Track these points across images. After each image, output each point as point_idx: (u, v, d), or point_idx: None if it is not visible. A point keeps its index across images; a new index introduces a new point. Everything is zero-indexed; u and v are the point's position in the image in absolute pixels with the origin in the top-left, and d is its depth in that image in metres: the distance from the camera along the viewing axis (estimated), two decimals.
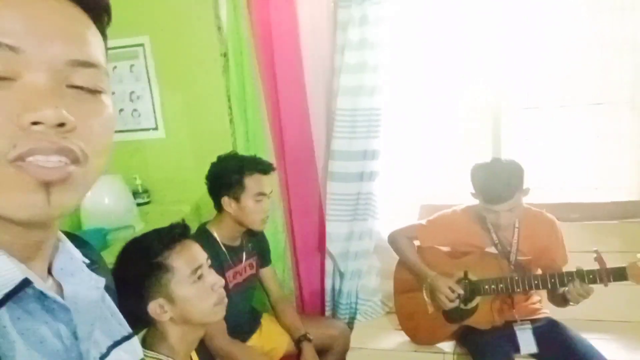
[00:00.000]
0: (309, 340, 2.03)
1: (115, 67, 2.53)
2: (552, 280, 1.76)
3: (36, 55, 0.47)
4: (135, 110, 2.58)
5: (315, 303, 2.51)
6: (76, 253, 0.62)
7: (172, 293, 1.27)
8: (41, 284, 0.52)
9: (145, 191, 2.63)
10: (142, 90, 2.54)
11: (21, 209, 0.47)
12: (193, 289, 1.30)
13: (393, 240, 2.12)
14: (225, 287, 1.90)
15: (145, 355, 1.25)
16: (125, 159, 2.62)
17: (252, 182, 1.89)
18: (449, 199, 2.23)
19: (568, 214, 2.20)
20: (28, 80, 0.46)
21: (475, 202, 1.93)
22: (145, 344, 1.30)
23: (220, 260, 1.92)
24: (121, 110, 2.59)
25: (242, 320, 2.03)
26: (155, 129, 2.58)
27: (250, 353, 1.91)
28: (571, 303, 1.76)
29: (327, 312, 2.47)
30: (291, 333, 2.08)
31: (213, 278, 1.36)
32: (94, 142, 0.50)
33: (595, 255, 1.70)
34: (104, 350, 0.61)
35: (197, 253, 1.35)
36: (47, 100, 0.46)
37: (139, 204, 2.58)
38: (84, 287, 0.59)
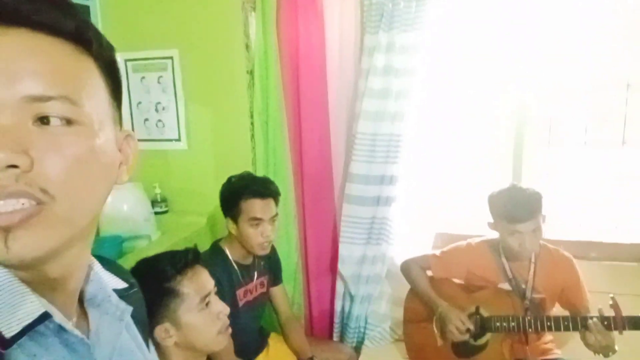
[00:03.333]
0: None
1: (143, 78, 2.58)
2: (566, 323, 1.73)
3: None
4: (160, 120, 2.62)
5: (323, 324, 2.50)
6: (108, 279, 0.62)
7: (179, 319, 1.28)
8: (61, 317, 0.52)
9: (164, 200, 2.66)
10: (168, 102, 2.58)
11: None
12: (200, 317, 1.31)
13: (406, 268, 2.11)
14: (235, 305, 1.94)
15: None
16: (147, 167, 2.66)
17: (248, 207, 1.87)
18: (464, 229, 2.21)
19: (586, 252, 2.17)
20: None
21: (491, 235, 1.92)
22: None
23: (232, 278, 1.93)
24: (146, 120, 2.64)
25: (250, 339, 2.03)
26: (178, 140, 2.61)
27: None
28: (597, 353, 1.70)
29: (335, 335, 2.46)
30: (298, 355, 2.07)
31: (219, 306, 1.37)
32: (61, 179, 0.49)
33: (611, 301, 1.66)
34: None
35: (206, 280, 1.36)
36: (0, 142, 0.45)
37: (156, 213, 2.61)
38: (108, 319, 0.60)
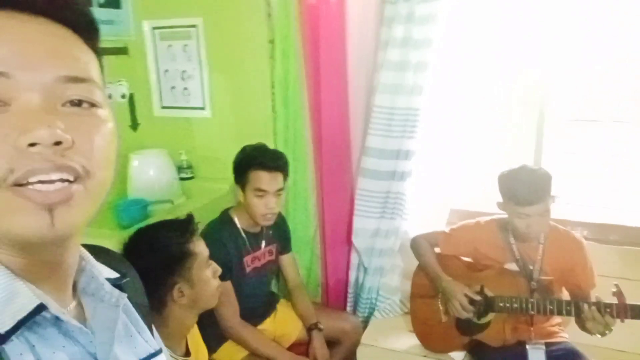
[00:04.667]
0: (320, 329, 2.09)
1: (170, 46, 2.63)
2: (568, 307, 1.70)
3: (26, 77, 0.48)
4: (185, 88, 2.68)
5: (339, 294, 2.54)
6: (101, 269, 0.63)
7: (193, 276, 1.40)
8: (57, 308, 0.52)
9: (189, 167, 2.74)
10: (193, 70, 2.63)
11: (26, 232, 0.48)
12: (207, 274, 1.44)
13: (415, 244, 2.11)
14: (243, 271, 2.01)
15: None
16: (173, 134, 2.74)
17: (254, 177, 1.92)
18: (480, 206, 2.17)
19: (607, 235, 2.09)
20: (21, 103, 0.47)
21: (502, 214, 1.88)
22: None
23: (239, 245, 1.99)
24: (173, 87, 2.70)
25: (258, 303, 2.11)
26: (203, 108, 2.67)
27: (259, 337, 1.99)
28: (598, 335, 1.68)
29: (349, 305, 2.49)
30: (304, 321, 2.14)
31: (216, 266, 1.49)
32: (95, 157, 0.51)
33: (614, 288, 1.61)
34: None
35: (205, 245, 1.48)
36: (41, 120, 0.47)
37: (182, 179, 2.71)
38: (104, 305, 0.60)
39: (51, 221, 0.48)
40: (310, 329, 2.10)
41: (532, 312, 1.78)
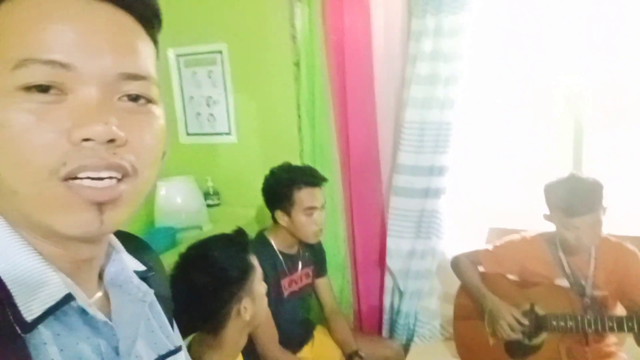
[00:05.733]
0: (361, 357, 1.98)
1: (195, 73, 2.63)
2: (630, 323, 1.57)
3: (87, 70, 0.47)
4: (211, 114, 2.67)
5: (372, 320, 2.44)
6: (129, 261, 0.63)
7: (255, 291, 1.33)
8: (84, 299, 0.52)
9: (216, 193, 2.71)
10: (219, 96, 2.62)
11: (74, 228, 0.48)
12: (264, 287, 1.38)
13: (456, 263, 2.01)
14: (280, 295, 1.93)
15: None
16: (199, 161, 2.73)
17: (302, 196, 1.88)
18: (520, 223, 2.07)
19: None
20: (79, 96, 0.47)
21: (547, 228, 1.78)
22: (189, 352, 1.32)
23: (277, 267, 1.92)
24: (198, 114, 2.69)
25: (295, 330, 2.02)
26: (229, 133, 2.65)
27: None
28: None
29: (385, 331, 2.39)
30: (343, 348, 2.03)
31: (263, 282, 1.41)
32: (144, 155, 0.51)
33: None
34: None
35: None
36: (98, 116, 0.46)
37: (209, 206, 2.67)
38: (130, 299, 0.60)
39: (100, 219, 0.48)
40: (350, 357, 2.00)
41: (590, 330, 1.66)
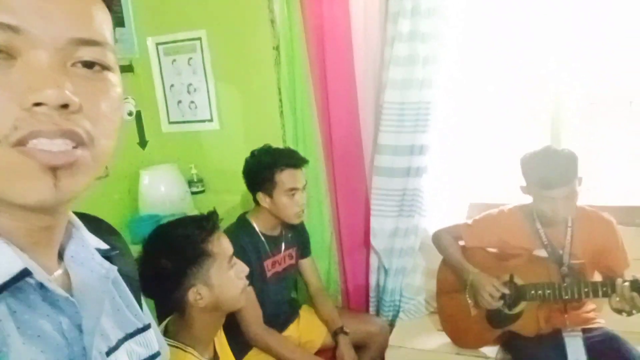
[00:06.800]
0: (346, 333, 2.02)
1: (174, 61, 2.63)
2: (604, 289, 1.64)
3: (38, 34, 0.45)
4: (192, 102, 2.67)
5: (360, 299, 2.48)
6: (90, 239, 0.61)
7: (211, 279, 1.31)
8: (42, 274, 0.50)
9: (200, 180, 2.71)
10: (199, 83, 2.62)
11: (28, 195, 0.46)
12: (229, 275, 1.35)
13: (437, 238, 2.06)
14: (264, 276, 1.96)
15: (168, 345, 1.30)
16: (182, 149, 2.72)
17: (284, 178, 1.90)
18: (499, 198, 2.12)
19: (632, 218, 2.03)
20: (30, 60, 0.45)
21: (525, 201, 1.83)
22: (167, 332, 1.34)
23: (259, 249, 1.95)
24: (179, 102, 2.69)
25: (280, 309, 2.05)
26: (211, 120, 2.65)
27: (285, 343, 1.92)
28: (624, 314, 1.62)
29: (372, 309, 2.43)
30: (328, 325, 2.08)
31: (241, 266, 1.41)
32: (101, 123, 0.49)
33: None
34: (113, 343, 0.58)
35: (229, 242, 1.40)
36: (50, 80, 0.44)
37: (193, 193, 2.68)
38: (93, 277, 0.58)
39: (54, 184, 0.46)
40: (335, 333, 2.04)
41: (567, 298, 1.72)
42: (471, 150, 2.21)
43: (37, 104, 0.44)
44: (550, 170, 1.69)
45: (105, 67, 0.50)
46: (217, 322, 1.40)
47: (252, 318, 1.84)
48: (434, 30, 2.05)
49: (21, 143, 0.44)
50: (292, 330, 2.06)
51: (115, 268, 0.60)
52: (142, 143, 2.73)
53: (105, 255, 0.61)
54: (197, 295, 1.30)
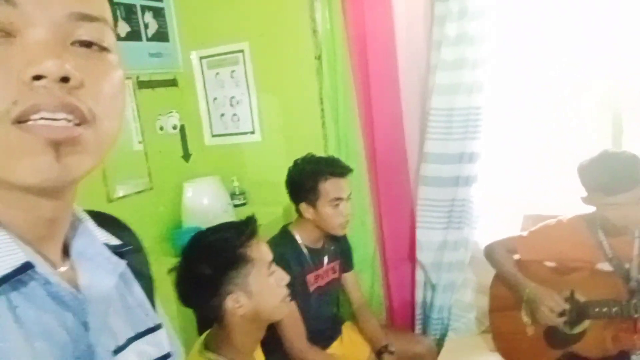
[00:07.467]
0: (391, 352, 1.91)
1: (217, 74, 2.64)
2: None
3: (35, 9, 0.44)
4: (234, 114, 2.67)
5: (405, 315, 2.37)
6: (99, 234, 0.59)
7: (250, 285, 1.27)
8: (46, 268, 0.49)
9: (242, 193, 2.70)
10: (242, 95, 2.62)
11: (30, 173, 0.44)
12: (268, 282, 1.31)
13: (490, 251, 1.93)
14: (306, 290, 1.89)
15: (208, 358, 1.25)
16: (224, 161, 2.73)
17: (328, 187, 1.84)
18: (556, 209, 1.98)
19: None
20: (28, 36, 0.44)
21: (584, 211, 1.69)
22: (207, 346, 1.30)
23: (302, 262, 1.88)
24: (222, 115, 2.70)
25: (323, 326, 1.97)
26: (253, 132, 2.64)
27: None
28: None
29: (418, 327, 2.32)
30: (372, 344, 1.97)
31: (281, 274, 1.36)
32: (103, 103, 0.47)
33: None
34: (121, 342, 0.56)
35: (268, 248, 1.36)
36: (50, 53, 0.43)
37: (235, 205, 2.66)
38: (101, 272, 0.56)
39: (56, 161, 0.44)
40: (380, 352, 1.93)
41: (636, 316, 1.56)
42: (524, 157, 2.08)
43: (37, 78, 0.42)
44: (613, 174, 1.56)
45: (103, 48, 0.49)
46: (256, 333, 1.34)
47: (296, 335, 1.76)
48: (483, 32, 1.96)
49: (22, 120, 0.43)
50: (335, 348, 1.97)
51: (124, 263, 0.59)
52: (186, 156, 2.75)
53: (117, 251, 0.59)
54: (236, 302, 1.26)
